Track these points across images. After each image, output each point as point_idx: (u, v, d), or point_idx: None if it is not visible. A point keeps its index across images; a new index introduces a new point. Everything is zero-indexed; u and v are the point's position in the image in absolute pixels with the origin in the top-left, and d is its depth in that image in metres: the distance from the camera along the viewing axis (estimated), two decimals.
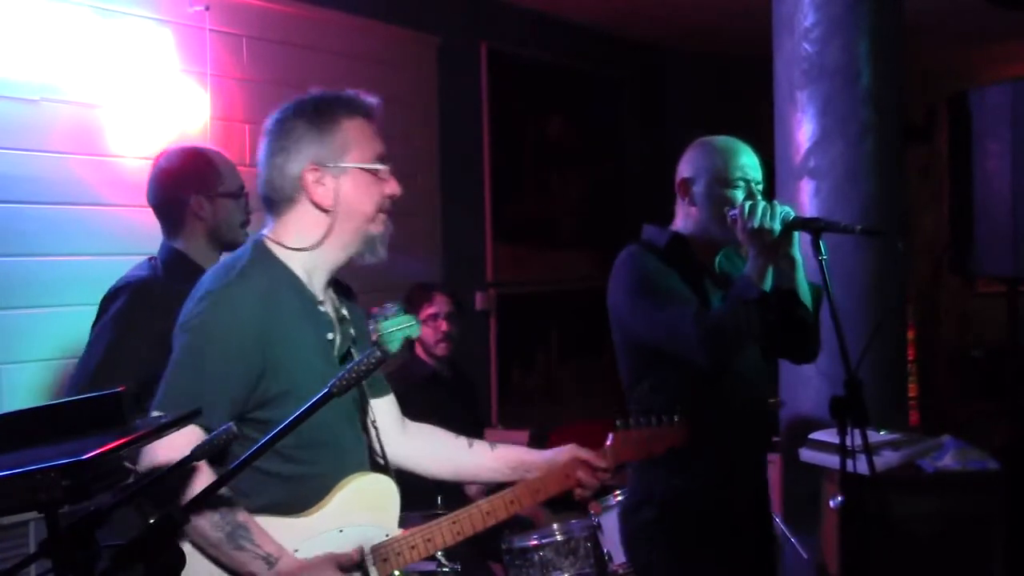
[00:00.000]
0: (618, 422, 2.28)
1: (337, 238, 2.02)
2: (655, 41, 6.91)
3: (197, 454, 1.55)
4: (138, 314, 2.66)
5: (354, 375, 1.66)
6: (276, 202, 2.04)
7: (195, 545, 1.89)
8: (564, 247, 6.45)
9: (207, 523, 1.85)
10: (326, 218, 2.01)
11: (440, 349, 4.22)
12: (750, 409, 2.82)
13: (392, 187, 2.07)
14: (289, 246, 2.03)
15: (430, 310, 4.21)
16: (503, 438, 5.15)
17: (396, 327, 3.46)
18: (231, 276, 1.98)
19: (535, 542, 3.63)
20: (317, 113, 2.02)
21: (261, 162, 2.04)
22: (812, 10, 4.05)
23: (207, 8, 4.05)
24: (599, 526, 3.62)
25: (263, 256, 2.02)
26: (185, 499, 1.81)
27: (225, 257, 2.16)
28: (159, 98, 3.92)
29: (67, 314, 3.56)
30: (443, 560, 3.17)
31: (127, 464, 1.52)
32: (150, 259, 2.81)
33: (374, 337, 4.03)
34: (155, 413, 1.88)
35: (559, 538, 3.62)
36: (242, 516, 1.88)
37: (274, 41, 4.44)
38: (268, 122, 2.06)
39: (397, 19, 5.11)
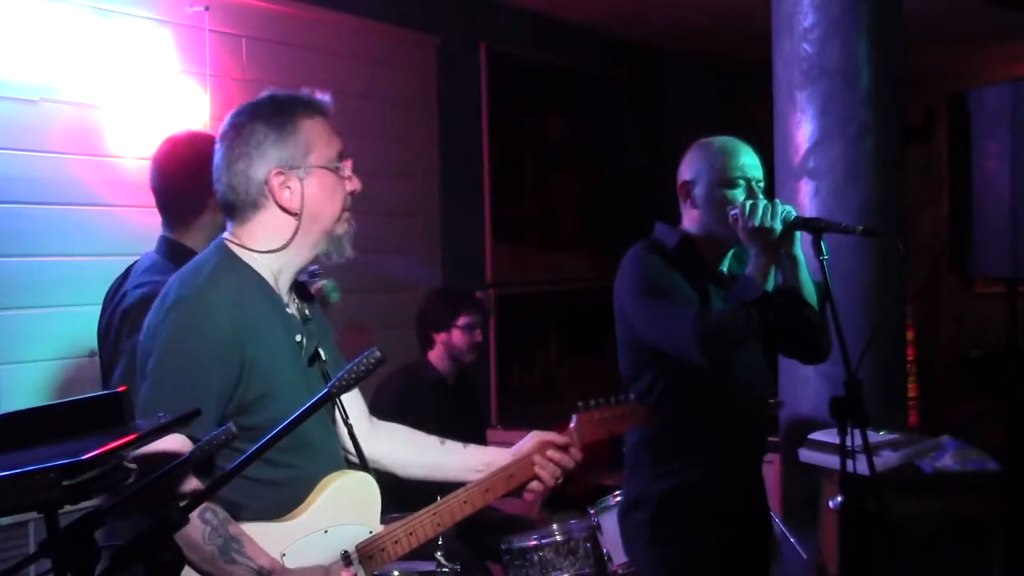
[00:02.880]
0: (580, 403, 2.31)
1: (304, 239, 2.01)
2: (655, 41, 6.91)
3: (196, 455, 1.55)
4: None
5: (353, 375, 1.65)
6: (239, 207, 2.00)
7: (187, 560, 1.81)
8: (563, 247, 6.45)
9: (199, 536, 1.82)
10: (293, 221, 1.99)
11: (469, 357, 4.24)
12: (746, 409, 2.83)
13: (354, 183, 2.05)
14: (255, 249, 2.00)
15: (468, 319, 4.21)
16: (503, 438, 5.14)
17: (333, 287, 3.49)
18: (200, 280, 1.94)
19: (534, 542, 3.62)
20: (276, 115, 1.99)
21: (219, 168, 2.00)
22: (811, 10, 4.05)
23: (207, 8, 4.05)
24: (599, 526, 3.62)
25: (230, 259, 1.99)
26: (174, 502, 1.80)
27: (190, 262, 2.08)
28: (159, 99, 3.92)
29: (67, 314, 3.56)
30: (443, 560, 3.17)
31: (127, 464, 1.52)
32: (161, 259, 2.57)
33: (314, 287, 3.99)
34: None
35: (559, 538, 3.62)
36: (234, 528, 1.86)
37: (274, 41, 4.44)
38: (224, 126, 2.02)
39: (397, 19, 5.11)
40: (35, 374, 3.51)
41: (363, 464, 2.14)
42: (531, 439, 2.23)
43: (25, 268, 3.51)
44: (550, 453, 2.20)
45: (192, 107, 4.04)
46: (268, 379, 1.93)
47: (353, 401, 2.24)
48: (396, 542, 2.06)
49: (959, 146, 3.69)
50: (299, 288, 2.15)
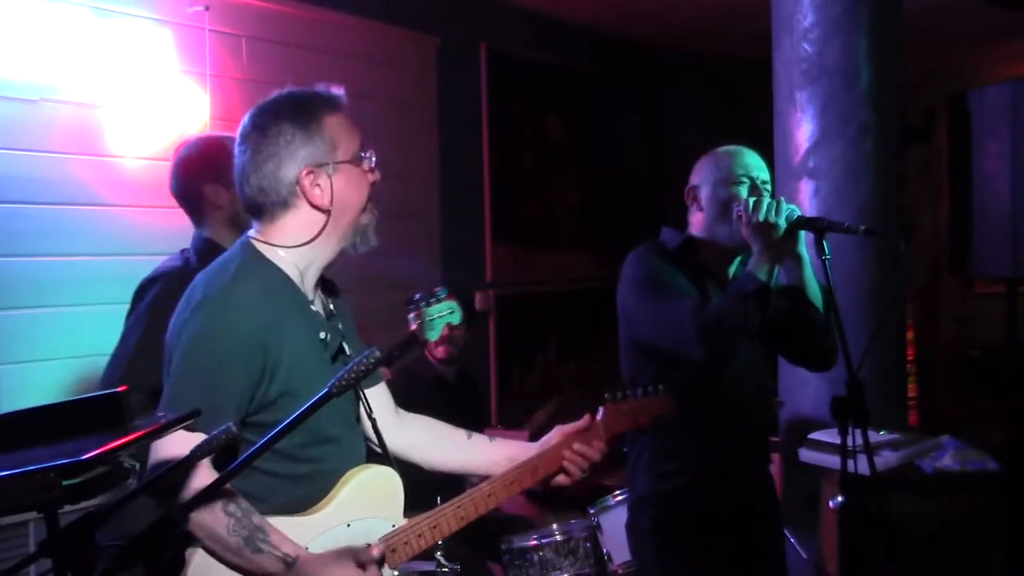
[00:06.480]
0: (606, 395, 2.30)
1: (332, 234, 2.02)
2: (655, 41, 6.91)
3: (197, 454, 1.55)
4: (171, 304, 2.64)
5: (353, 375, 1.66)
6: (267, 207, 2.00)
7: (211, 552, 1.86)
8: (563, 247, 6.45)
9: (224, 529, 1.83)
10: (323, 217, 2.00)
11: (439, 352, 4.13)
12: (746, 410, 2.82)
13: (375, 174, 2.08)
14: (281, 245, 2.01)
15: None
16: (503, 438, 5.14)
17: (438, 313, 3.41)
18: (225, 280, 1.95)
19: (535, 542, 3.63)
20: (301, 114, 2.01)
21: (245, 170, 1.99)
22: (811, 10, 4.06)
23: (207, 8, 4.05)
24: (599, 526, 3.63)
25: (254, 257, 2.00)
26: (185, 499, 1.81)
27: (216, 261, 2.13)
28: (159, 98, 3.93)
29: (67, 314, 3.57)
30: (442, 560, 3.16)
31: (127, 464, 1.51)
32: (182, 251, 2.78)
33: (414, 325, 4.02)
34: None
35: (559, 538, 3.62)
36: (257, 519, 1.87)
37: (274, 41, 4.44)
38: (244, 127, 2.02)
39: (397, 19, 5.11)
40: (35, 374, 3.51)
41: (387, 458, 2.13)
42: (556, 433, 2.24)
43: (25, 268, 3.51)
44: (576, 446, 2.21)
45: (192, 107, 4.04)
46: (290, 378, 1.94)
47: (379, 394, 2.25)
48: (420, 536, 2.08)
49: (959, 146, 3.70)
50: (324, 285, 2.16)
